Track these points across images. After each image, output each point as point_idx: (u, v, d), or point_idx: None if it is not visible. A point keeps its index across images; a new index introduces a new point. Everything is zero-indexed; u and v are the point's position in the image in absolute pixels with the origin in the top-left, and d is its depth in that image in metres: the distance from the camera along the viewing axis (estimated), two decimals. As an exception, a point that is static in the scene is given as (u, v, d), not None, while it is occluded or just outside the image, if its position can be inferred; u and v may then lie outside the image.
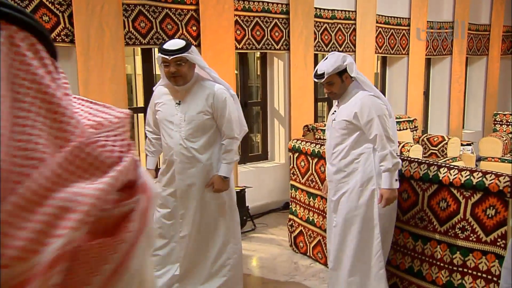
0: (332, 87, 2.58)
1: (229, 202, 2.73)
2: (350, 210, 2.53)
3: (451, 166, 2.52)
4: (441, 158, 5.47)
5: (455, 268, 2.44)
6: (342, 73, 2.54)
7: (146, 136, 2.93)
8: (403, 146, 4.97)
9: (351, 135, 2.53)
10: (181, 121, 2.57)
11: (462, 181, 2.39)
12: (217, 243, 2.71)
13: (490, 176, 2.29)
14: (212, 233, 2.70)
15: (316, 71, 2.59)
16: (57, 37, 3.37)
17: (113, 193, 0.61)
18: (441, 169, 2.52)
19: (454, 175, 2.44)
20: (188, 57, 2.47)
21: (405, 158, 2.79)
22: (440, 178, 2.50)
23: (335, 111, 2.67)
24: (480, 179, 2.31)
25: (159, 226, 2.75)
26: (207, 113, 2.57)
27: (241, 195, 4.36)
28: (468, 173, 2.39)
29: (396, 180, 2.45)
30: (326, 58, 2.58)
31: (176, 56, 2.43)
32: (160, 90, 2.68)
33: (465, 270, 2.40)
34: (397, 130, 5.75)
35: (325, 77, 2.52)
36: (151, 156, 2.83)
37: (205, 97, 2.56)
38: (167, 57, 2.44)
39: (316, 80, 2.61)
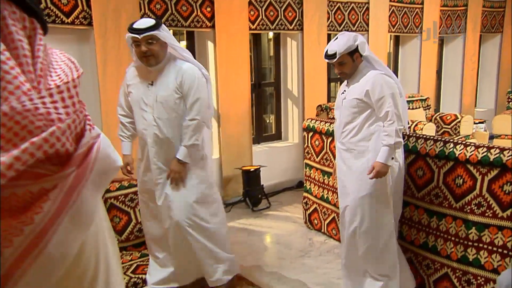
0: (343, 67, 2.52)
1: (205, 183, 2.60)
2: (361, 188, 2.48)
3: (468, 143, 2.47)
4: (454, 136, 5.39)
5: (470, 243, 2.42)
6: (353, 53, 2.48)
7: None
8: (416, 125, 4.90)
9: (361, 114, 2.48)
10: (154, 102, 2.44)
11: (479, 158, 2.34)
12: (201, 226, 2.58)
13: (508, 153, 2.24)
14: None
15: (327, 51, 2.52)
16: (75, 20, 3.35)
17: (22, 166, 0.53)
18: (458, 146, 2.48)
19: (471, 151, 2.39)
20: (159, 35, 2.35)
21: (421, 135, 2.75)
22: (457, 155, 2.46)
23: (344, 90, 2.61)
24: (497, 155, 2.27)
25: (148, 210, 2.68)
26: (177, 92, 2.44)
27: (256, 174, 4.38)
28: (485, 149, 2.34)
29: (392, 158, 2.40)
30: (337, 38, 2.52)
31: (147, 34, 2.32)
32: (133, 71, 2.55)
33: (481, 245, 2.38)
34: (410, 109, 5.68)
35: (337, 57, 2.45)
36: (126, 141, 2.69)
37: (174, 76, 2.44)
38: (137, 36, 2.32)
39: (327, 60, 2.54)
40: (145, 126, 2.50)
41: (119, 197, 3.19)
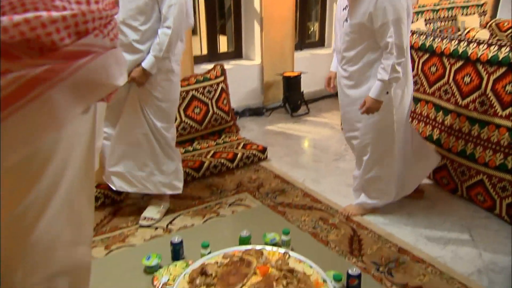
0: None
1: (165, 99, 2.25)
2: (359, 119, 2.27)
3: (526, 47, 2.17)
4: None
5: (511, 152, 2.26)
6: None
7: None
8: (467, 32, 4.42)
9: (363, 40, 2.09)
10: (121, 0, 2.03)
11: (537, 63, 2.07)
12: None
13: None
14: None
15: None
16: None
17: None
18: (514, 50, 2.19)
19: (528, 56, 2.11)
20: None
21: (473, 40, 2.45)
22: (511, 60, 2.18)
23: (346, 5, 2.13)
24: (558, 59, 1.99)
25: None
26: None
27: (296, 80, 4.23)
28: (545, 54, 2.06)
29: (387, 93, 2.10)
30: None
31: None
32: None
33: (522, 154, 2.21)
34: (463, 15, 5.08)
35: None
36: None
37: None
38: None
39: None
40: None
41: (199, 88, 3.32)
